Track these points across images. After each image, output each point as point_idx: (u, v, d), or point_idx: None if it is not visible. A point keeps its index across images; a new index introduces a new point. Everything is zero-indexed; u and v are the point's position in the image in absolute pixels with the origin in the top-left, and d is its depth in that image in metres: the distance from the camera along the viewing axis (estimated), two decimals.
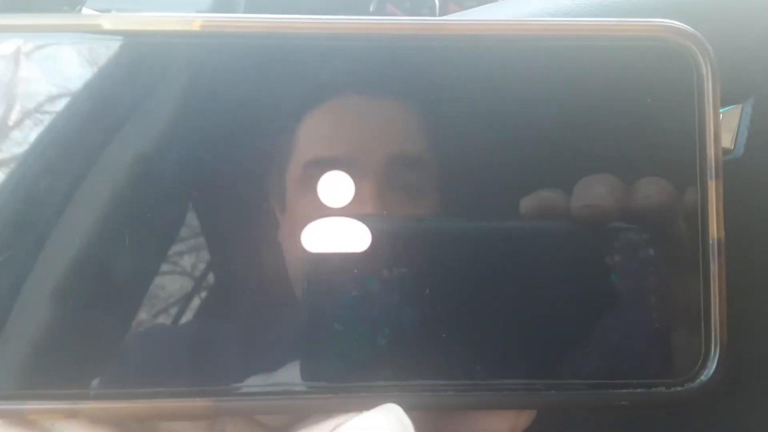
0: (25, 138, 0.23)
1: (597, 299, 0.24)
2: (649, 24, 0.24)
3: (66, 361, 0.22)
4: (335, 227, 0.23)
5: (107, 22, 0.22)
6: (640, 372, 0.23)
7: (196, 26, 0.22)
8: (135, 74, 0.23)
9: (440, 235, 0.23)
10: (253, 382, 0.22)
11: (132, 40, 0.22)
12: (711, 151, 0.24)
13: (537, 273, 0.23)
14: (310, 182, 0.23)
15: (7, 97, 0.22)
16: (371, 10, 0.67)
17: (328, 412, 0.22)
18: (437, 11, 0.70)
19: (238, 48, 0.23)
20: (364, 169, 0.23)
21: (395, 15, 0.69)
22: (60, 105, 0.23)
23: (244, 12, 0.63)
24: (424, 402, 0.23)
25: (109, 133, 0.22)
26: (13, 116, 0.23)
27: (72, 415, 0.21)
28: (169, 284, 0.23)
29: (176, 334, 0.23)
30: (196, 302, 0.23)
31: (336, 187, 0.23)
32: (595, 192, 0.23)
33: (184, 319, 0.23)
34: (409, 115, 0.24)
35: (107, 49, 0.22)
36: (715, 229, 0.24)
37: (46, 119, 0.23)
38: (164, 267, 0.23)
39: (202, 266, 0.23)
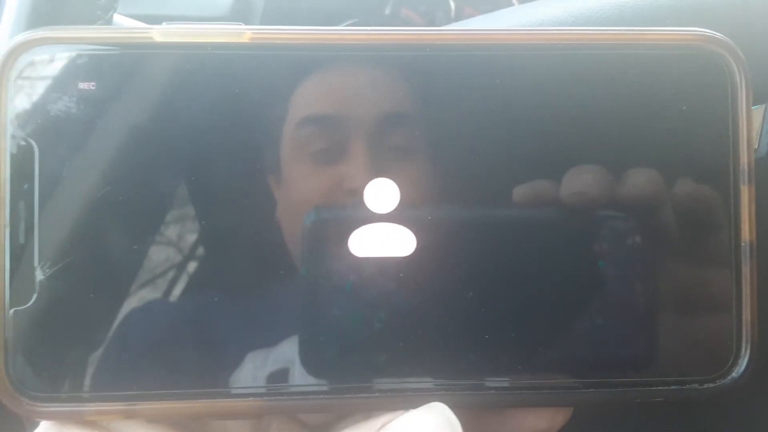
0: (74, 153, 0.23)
1: (632, 298, 0.24)
2: (683, 33, 0.24)
3: (123, 362, 0.23)
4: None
5: (158, 35, 0.23)
6: (674, 369, 0.24)
7: (245, 38, 0.23)
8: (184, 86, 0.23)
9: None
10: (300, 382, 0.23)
11: (182, 51, 0.23)
12: (744, 158, 0.24)
13: (567, 272, 0.24)
14: (303, 141, 0.23)
15: (64, 110, 0.23)
16: (387, 13, 0.68)
17: (372, 411, 0.23)
18: (453, 15, 0.70)
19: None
20: (355, 127, 0.23)
21: (410, 19, 0.70)
22: (115, 118, 0.23)
23: (263, 14, 0.63)
24: (467, 401, 0.23)
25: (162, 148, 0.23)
26: (71, 131, 0.23)
27: (130, 415, 0.22)
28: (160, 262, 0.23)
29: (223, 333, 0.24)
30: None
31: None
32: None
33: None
34: (405, 84, 0.24)
35: (158, 61, 0.23)
36: (747, 232, 0.24)
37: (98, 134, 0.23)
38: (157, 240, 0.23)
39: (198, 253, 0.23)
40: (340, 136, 0.24)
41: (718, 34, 0.24)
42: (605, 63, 0.24)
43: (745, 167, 0.24)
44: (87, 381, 0.22)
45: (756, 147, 0.30)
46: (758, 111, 0.30)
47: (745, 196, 0.24)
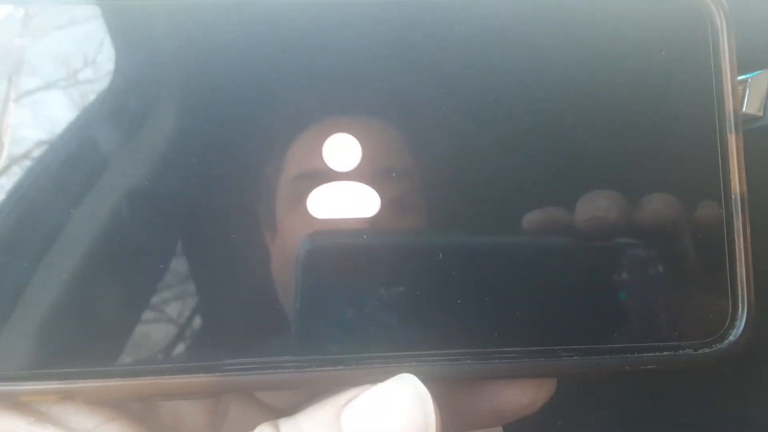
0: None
1: (619, 261, 0.23)
2: None
3: (59, 339, 0.21)
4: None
5: None
6: (666, 334, 0.22)
7: None
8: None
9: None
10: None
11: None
12: (729, 105, 0.23)
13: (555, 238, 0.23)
14: (299, 196, 0.22)
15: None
16: None
17: (337, 386, 0.21)
18: None
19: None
20: (351, 182, 0.22)
21: None
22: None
23: None
24: (439, 372, 0.21)
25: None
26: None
27: (68, 396, 0.20)
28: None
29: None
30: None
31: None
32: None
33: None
34: (399, 131, 0.23)
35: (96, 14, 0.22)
36: (737, 184, 0.23)
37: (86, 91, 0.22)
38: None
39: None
40: (336, 188, 0.22)
41: None
42: (580, 11, 0.23)
43: (731, 115, 0.23)
44: (20, 359, 0.20)
45: (761, 114, 0.28)
46: (764, 75, 0.28)
47: (733, 144, 0.23)
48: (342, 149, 0.22)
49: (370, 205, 0.22)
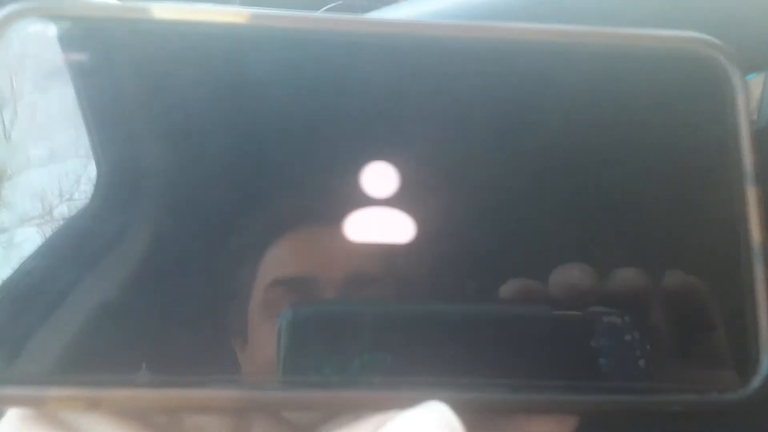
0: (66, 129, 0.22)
1: (649, 308, 0.23)
2: (678, 36, 0.25)
3: (89, 348, 0.21)
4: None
5: (158, 11, 0.22)
6: (692, 378, 0.23)
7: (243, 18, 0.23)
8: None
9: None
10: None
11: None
12: (748, 159, 0.24)
13: None
14: (272, 304, 0.23)
15: (47, 84, 0.22)
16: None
17: (364, 409, 0.21)
18: None
19: None
20: (324, 288, 0.23)
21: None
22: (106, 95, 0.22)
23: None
24: (467, 401, 0.21)
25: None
26: (54, 102, 0.22)
27: (95, 404, 0.20)
28: None
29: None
30: None
31: None
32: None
33: None
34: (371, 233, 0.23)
35: (152, 39, 0.23)
36: (757, 235, 0.23)
37: (87, 109, 0.22)
38: None
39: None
40: (310, 295, 0.23)
41: (713, 39, 0.25)
42: (590, 66, 0.24)
43: (750, 168, 0.24)
44: (49, 365, 0.20)
45: (754, 118, 0.29)
46: (758, 80, 0.29)
47: (752, 197, 0.24)
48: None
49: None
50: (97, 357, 0.21)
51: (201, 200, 0.22)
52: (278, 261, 0.23)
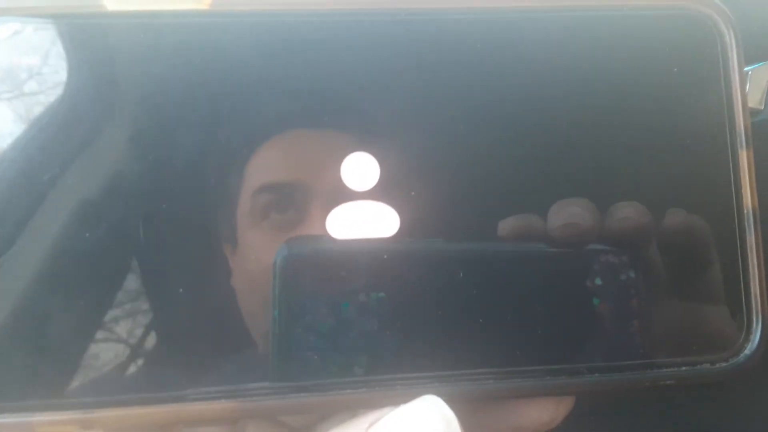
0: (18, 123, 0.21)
1: (634, 279, 0.23)
2: None
3: (77, 368, 0.20)
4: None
5: (111, 3, 0.21)
6: (683, 350, 0.23)
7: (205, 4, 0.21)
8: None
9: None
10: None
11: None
12: (740, 121, 0.23)
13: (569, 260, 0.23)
14: (260, 209, 0.22)
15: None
16: None
17: (359, 408, 0.21)
18: None
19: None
20: (312, 193, 0.22)
21: None
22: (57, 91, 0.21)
23: None
24: (462, 392, 0.21)
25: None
26: (8, 101, 0.21)
27: (88, 426, 0.20)
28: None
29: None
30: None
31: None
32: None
33: None
34: (366, 139, 0.22)
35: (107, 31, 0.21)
36: (749, 199, 0.23)
37: (42, 105, 0.21)
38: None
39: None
40: (298, 202, 0.22)
41: None
42: (589, 26, 0.23)
43: (742, 131, 0.23)
44: (37, 389, 0.20)
45: (761, 108, 0.28)
46: (764, 68, 0.28)
47: (744, 160, 0.23)
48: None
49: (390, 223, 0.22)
50: (86, 377, 0.20)
51: (184, 107, 0.21)
52: (265, 166, 0.22)
